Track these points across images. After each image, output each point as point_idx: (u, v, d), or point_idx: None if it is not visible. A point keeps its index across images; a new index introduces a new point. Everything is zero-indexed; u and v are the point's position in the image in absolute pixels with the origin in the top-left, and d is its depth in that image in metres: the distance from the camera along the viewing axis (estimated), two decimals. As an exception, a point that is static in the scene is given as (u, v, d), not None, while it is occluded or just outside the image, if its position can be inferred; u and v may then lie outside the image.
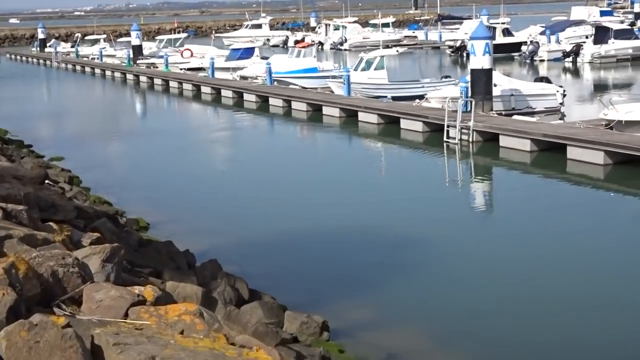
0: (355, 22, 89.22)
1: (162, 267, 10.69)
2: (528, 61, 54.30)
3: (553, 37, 60.43)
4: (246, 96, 37.62)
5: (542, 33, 64.35)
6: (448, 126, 24.52)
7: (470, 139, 24.12)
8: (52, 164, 22.01)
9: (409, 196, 18.85)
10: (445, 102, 26.70)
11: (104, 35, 77.49)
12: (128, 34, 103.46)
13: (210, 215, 17.46)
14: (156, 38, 63.37)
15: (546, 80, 31.17)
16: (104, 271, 6.95)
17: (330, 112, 31.32)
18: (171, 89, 44.94)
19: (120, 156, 26.01)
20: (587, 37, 58.44)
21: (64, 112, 39.77)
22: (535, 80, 31.36)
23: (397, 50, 36.33)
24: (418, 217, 16.91)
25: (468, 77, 28.58)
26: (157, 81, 47.52)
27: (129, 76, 51.88)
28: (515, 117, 25.93)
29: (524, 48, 56.85)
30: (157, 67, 52.89)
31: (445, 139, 24.52)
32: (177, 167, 23.46)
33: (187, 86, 43.44)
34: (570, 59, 51.42)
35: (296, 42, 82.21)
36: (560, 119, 28.45)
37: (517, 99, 28.94)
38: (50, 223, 8.91)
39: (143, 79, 49.58)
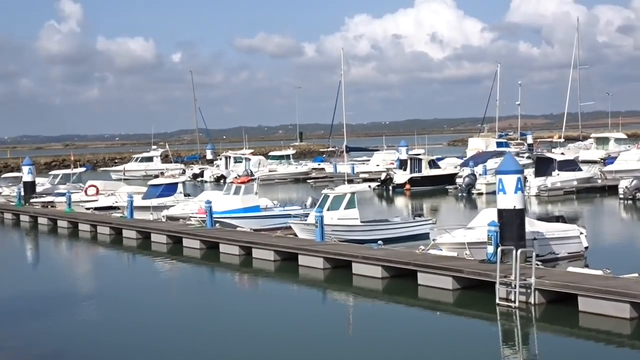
0: (253, 153, 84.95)
1: None
2: (465, 194, 50.63)
3: (478, 169, 57.37)
4: (186, 242, 31.16)
5: (464, 165, 61.53)
6: (500, 284, 19.24)
7: (533, 301, 18.86)
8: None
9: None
10: (466, 249, 22.04)
11: (-18, 171, 68.86)
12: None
13: None
14: (50, 173, 55.79)
15: (562, 219, 26.69)
16: None
17: (310, 262, 25.50)
18: (81, 232, 37.69)
19: (58, 338, 18.94)
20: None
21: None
22: (550, 220, 26.76)
23: (370, 186, 31.19)
24: None
25: (483, 215, 24.26)
26: (62, 224, 39.79)
27: (24, 218, 43.98)
28: (570, 268, 20.98)
29: (459, 181, 53.32)
30: (55, 207, 45.51)
31: (497, 300, 19.15)
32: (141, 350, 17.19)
33: (103, 230, 36.36)
34: (515, 192, 47.95)
35: (195, 175, 76.48)
36: (585, 265, 23.86)
37: (540, 244, 24.29)
38: None
39: (42, 221, 41.86)
